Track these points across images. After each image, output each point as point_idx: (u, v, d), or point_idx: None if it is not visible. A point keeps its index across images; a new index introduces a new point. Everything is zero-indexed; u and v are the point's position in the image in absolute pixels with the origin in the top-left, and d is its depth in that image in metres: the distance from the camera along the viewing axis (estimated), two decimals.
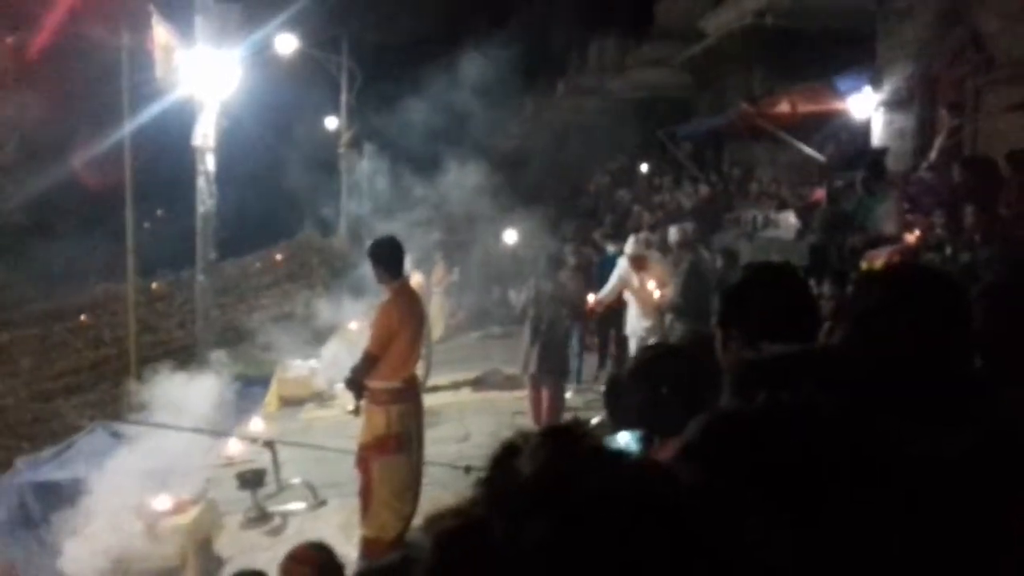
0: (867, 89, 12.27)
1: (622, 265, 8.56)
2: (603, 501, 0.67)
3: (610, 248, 10.37)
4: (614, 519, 0.66)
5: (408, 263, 9.14)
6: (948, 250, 6.87)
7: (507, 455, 0.76)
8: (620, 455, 0.76)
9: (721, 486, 0.83)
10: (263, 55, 14.54)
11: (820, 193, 10.80)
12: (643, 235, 9.43)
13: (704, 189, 14.43)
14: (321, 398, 10.11)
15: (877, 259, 6.86)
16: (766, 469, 0.91)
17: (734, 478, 0.88)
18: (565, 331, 8.12)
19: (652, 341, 8.06)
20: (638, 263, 8.30)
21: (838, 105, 12.56)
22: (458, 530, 0.72)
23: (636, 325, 8.46)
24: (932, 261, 6.72)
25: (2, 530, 7.02)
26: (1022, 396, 1.81)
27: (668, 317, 7.98)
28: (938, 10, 11.00)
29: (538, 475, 0.70)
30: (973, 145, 10.14)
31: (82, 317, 15.15)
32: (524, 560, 0.65)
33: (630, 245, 8.51)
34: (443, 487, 6.43)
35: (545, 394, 7.75)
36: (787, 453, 0.96)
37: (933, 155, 10.02)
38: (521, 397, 9.38)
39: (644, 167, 19.68)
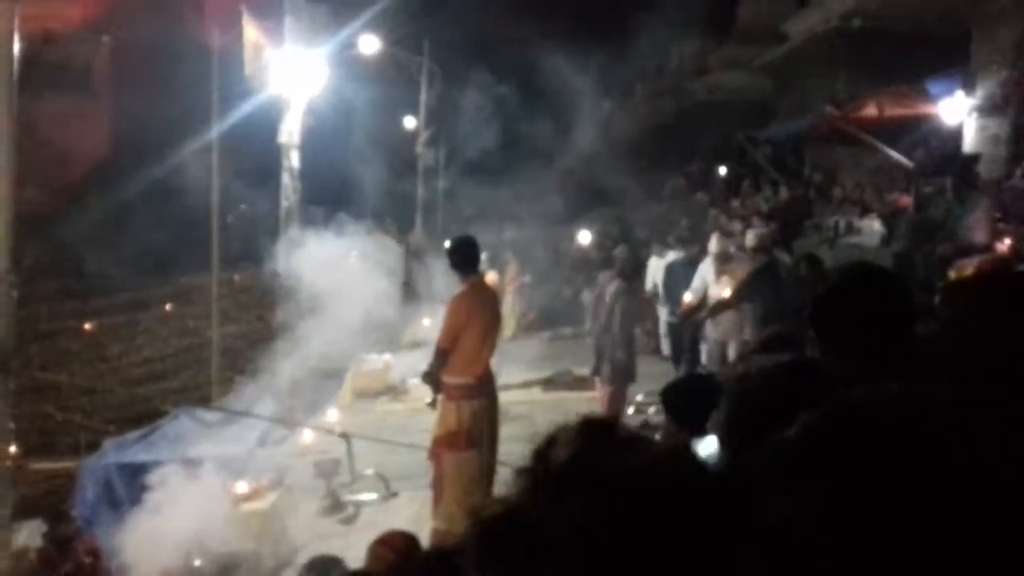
0: (959, 93, 11.85)
1: (705, 264, 8.45)
2: (634, 484, 0.69)
3: (680, 253, 10.22)
4: (644, 502, 0.67)
5: (484, 261, 9.27)
6: None
7: (547, 446, 0.78)
8: (651, 442, 0.78)
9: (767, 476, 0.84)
10: (347, 54, 14.82)
11: (906, 199, 10.48)
12: (728, 237, 9.33)
13: (784, 193, 14.14)
14: (395, 392, 10.26)
15: (967, 269, 6.64)
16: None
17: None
18: (634, 335, 8.04)
19: (729, 346, 7.97)
20: (723, 260, 8.18)
21: (928, 109, 12.14)
22: (499, 517, 0.74)
23: (711, 330, 8.33)
24: None
25: (89, 508, 7.33)
26: None
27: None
28: None
29: (571, 461, 0.73)
30: None
31: (167, 307, 15.72)
32: (559, 543, 0.67)
33: (714, 243, 8.40)
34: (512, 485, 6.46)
35: (614, 396, 7.69)
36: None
37: None
38: (591, 398, 9.36)
39: (722, 170, 19.40)
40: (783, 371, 1.95)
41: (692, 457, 0.76)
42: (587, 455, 0.73)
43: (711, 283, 8.24)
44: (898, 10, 15.42)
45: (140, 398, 12.85)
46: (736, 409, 1.91)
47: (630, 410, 8.35)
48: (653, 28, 21.44)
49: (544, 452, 0.78)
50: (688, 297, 8.39)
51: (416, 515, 6.32)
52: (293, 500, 6.82)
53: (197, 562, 5.90)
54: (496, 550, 0.72)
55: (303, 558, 5.73)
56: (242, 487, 6.58)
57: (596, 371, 7.86)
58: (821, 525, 0.77)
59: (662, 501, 0.68)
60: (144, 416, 9.99)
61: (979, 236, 7.77)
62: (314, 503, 6.84)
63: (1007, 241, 7.27)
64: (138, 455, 7.70)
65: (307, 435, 8.15)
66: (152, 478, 6.34)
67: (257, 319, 13.43)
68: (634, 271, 8.38)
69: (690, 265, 9.21)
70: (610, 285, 7.83)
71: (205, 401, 9.81)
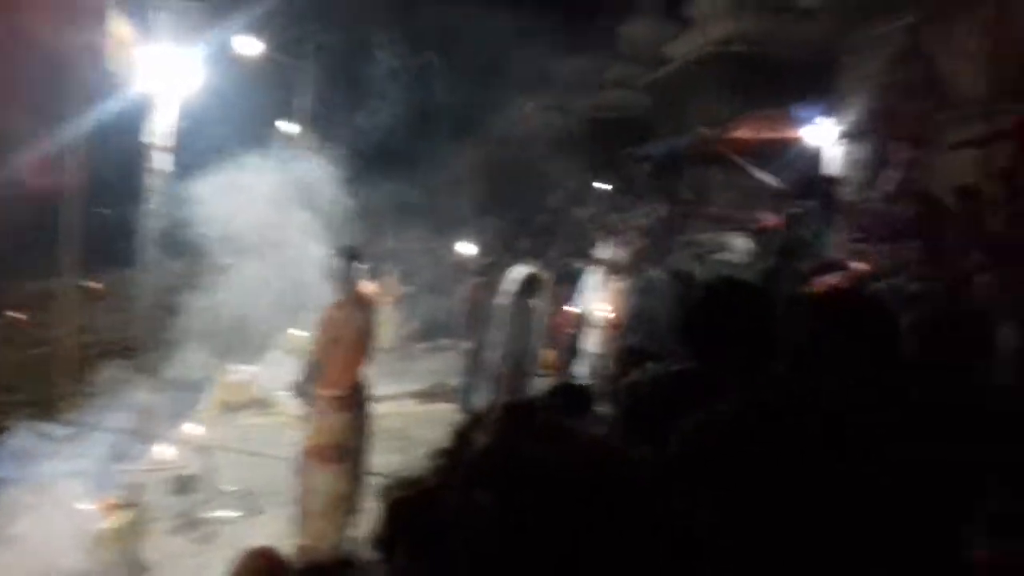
0: (826, 119, 12.49)
1: (595, 275, 8.52)
2: (550, 474, 0.67)
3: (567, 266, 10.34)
4: (560, 491, 0.66)
5: (361, 271, 9.07)
6: (895, 280, 6.96)
7: (468, 428, 0.75)
8: (572, 432, 0.78)
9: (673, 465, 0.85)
10: (225, 55, 14.35)
11: (772, 219, 10.91)
12: (614, 242, 9.44)
13: (661, 210, 14.52)
14: (261, 404, 9.91)
15: (825, 285, 6.92)
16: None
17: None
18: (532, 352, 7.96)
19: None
20: (615, 269, 8.25)
21: (797, 133, 12.75)
22: (412, 499, 0.70)
23: (592, 343, 8.36)
24: (880, 290, 6.80)
25: None
26: None
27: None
28: (898, 46, 11.24)
29: (490, 447, 0.76)
30: (926, 179, 10.34)
31: (17, 315, 14.68)
32: (473, 528, 0.65)
33: (602, 250, 8.46)
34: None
35: None
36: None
37: (885, 187, 10.21)
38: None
39: (603, 186, 19.79)
40: (670, 380, 2.02)
41: (611, 448, 0.76)
42: (506, 441, 0.75)
43: (597, 290, 8.32)
44: (773, 38, 16.15)
45: None
46: (630, 413, 1.99)
47: None
48: (541, 44, 21.76)
49: (465, 434, 0.75)
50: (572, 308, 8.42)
51: (281, 532, 6.06)
52: (148, 518, 6.43)
53: None
54: (408, 529, 0.75)
55: None
56: (93, 505, 6.19)
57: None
58: (708, 524, 0.81)
59: (578, 492, 0.66)
60: None
61: (839, 255, 8.15)
62: (171, 522, 6.48)
63: (865, 259, 7.64)
64: None
65: (166, 450, 7.74)
66: None
67: (116, 328, 12.72)
68: (530, 285, 8.29)
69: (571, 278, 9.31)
70: (515, 302, 7.75)
71: (54, 415, 9.19)
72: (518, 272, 9.33)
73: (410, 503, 0.70)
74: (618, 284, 8.18)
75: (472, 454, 0.73)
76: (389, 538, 0.68)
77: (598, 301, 8.17)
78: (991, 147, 9.28)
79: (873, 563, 0.94)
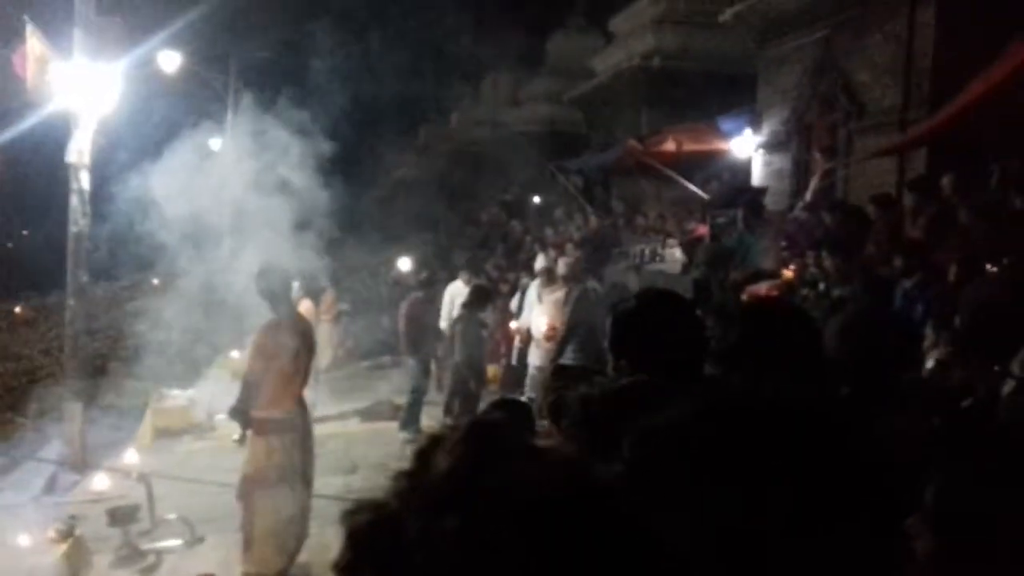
0: (747, 131, 12.85)
1: (532, 288, 8.58)
2: (519, 497, 0.66)
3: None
4: (528, 516, 0.65)
5: (297, 289, 8.98)
6: (822, 286, 7.23)
7: (430, 448, 0.73)
8: (542, 452, 0.73)
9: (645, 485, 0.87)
10: (147, 71, 14.02)
11: (702, 229, 11.17)
12: (551, 253, 9.56)
13: (593, 222, 14.74)
14: (199, 429, 9.68)
15: (757, 292, 7.15)
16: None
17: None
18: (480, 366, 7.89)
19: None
20: (550, 278, 8.32)
21: (721, 145, 13.09)
22: (371, 525, 0.69)
23: (536, 362, 8.38)
24: (807, 296, 7.06)
25: None
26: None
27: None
28: (813, 59, 11.65)
29: (453, 469, 0.69)
30: (844, 188, 10.74)
31: None
32: (436, 556, 0.64)
33: (540, 260, 8.53)
34: (329, 522, 6.25)
35: None
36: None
37: (808, 196, 10.55)
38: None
39: (536, 199, 19.96)
40: (620, 390, 2.05)
41: (584, 470, 0.73)
42: (469, 465, 0.68)
43: (534, 304, 8.38)
44: (693, 52, 16.55)
45: None
46: (581, 424, 2.00)
47: None
48: (468, 58, 21.82)
49: (425, 454, 0.72)
50: (516, 324, 8.44)
51: (224, 559, 5.96)
52: (86, 551, 6.24)
53: None
54: (370, 555, 0.68)
55: None
56: (25, 540, 5.97)
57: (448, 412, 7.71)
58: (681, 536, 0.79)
59: (548, 513, 0.66)
60: None
61: (767, 263, 8.39)
62: (110, 554, 6.29)
63: (792, 267, 7.90)
64: None
65: (101, 479, 7.50)
66: None
67: (43, 354, 12.31)
68: (479, 298, 8.27)
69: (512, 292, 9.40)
70: (462, 318, 7.69)
71: None
72: (457, 287, 9.36)
73: (372, 528, 0.69)
74: (553, 295, 8.27)
75: (434, 476, 0.69)
76: (352, 565, 0.68)
77: (537, 314, 8.24)
78: (906, 156, 9.69)
79: (837, 551, 0.99)
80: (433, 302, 10.07)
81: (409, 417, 9.18)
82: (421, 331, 9.36)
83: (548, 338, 8.01)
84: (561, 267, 8.78)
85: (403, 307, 9.74)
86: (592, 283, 9.14)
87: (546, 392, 5.98)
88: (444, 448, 0.71)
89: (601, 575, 0.66)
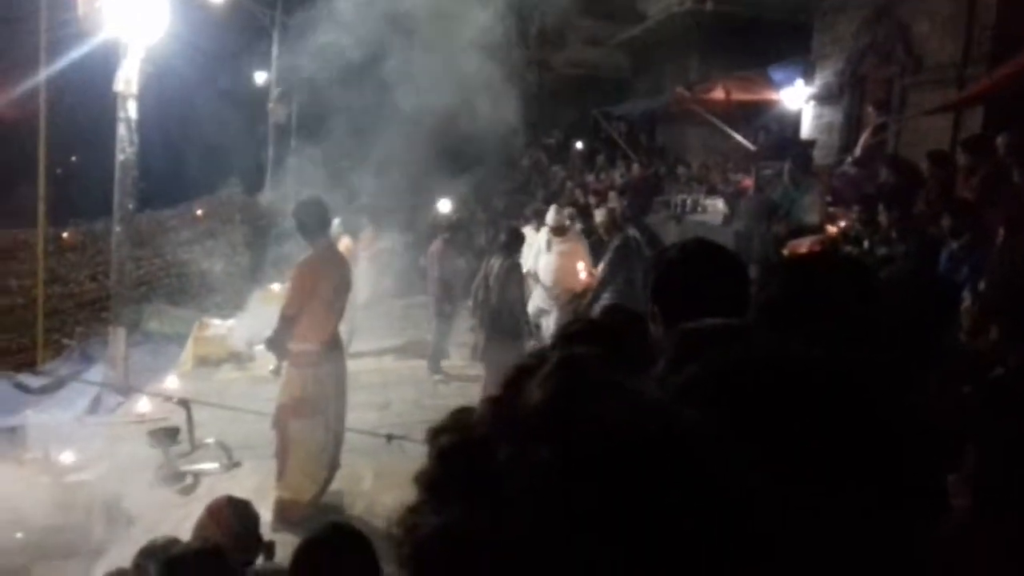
0: (799, 81, 12.54)
1: (540, 235, 8.58)
2: (610, 435, 0.67)
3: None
4: (617, 454, 0.66)
5: (337, 226, 9.03)
6: (866, 244, 7.09)
7: (519, 377, 0.74)
8: (631, 391, 0.74)
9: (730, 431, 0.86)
10: (193, 1, 14.01)
11: (748, 181, 11.00)
12: (567, 209, 9.48)
13: (636, 169, 14.56)
14: (239, 359, 9.88)
15: (799, 248, 7.04)
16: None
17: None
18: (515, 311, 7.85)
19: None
20: (558, 232, 8.31)
21: (771, 95, 12.80)
22: (460, 446, 0.70)
23: (540, 304, 8.42)
24: (851, 253, 6.94)
25: None
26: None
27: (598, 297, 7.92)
28: (872, 8, 11.26)
29: (545, 402, 0.70)
30: (896, 143, 10.46)
31: None
32: (524, 484, 0.65)
33: (551, 215, 8.50)
34: (362, 454, 6.40)
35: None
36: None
37: (857, 151, 10.30)
38: (445, 366, 9.39)
39: (579, 144, 19.74)
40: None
41: (673, 410, 0.73)
42: (562, 399, 0.69)
43: (542, 252, 8.39)
44: None
45: None
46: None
47: None
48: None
49: (515, 383, 0.73)
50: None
51: (260, 485, 6.13)
52: (127, 470, 6.46)
53: (19, 535, 5.51)
54: (460, 476, 0.69)
55: (138, 530, 5.48)
56: (68, 457, 6.20)
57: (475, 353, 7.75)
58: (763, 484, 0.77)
59: (635, 462, 0.66)
60: None
61: (812, 218, 8.25)
62: (150, 473, 6.51)
63: (838, 224, 7.76)
64: None
65: (143, 402, 7.73)
66: None
67: (89, 279, 12.57)
68: (516, 241, 8.21)
69: None
70: (492, 261, 7.66)
71: (29, 366, 9.11)
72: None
73: (461, 450, 0.70)
74: (563, 246, 8.28)
75: (526, 406, 0.70)
76: (440, 482, 0.70)
77: (548, 256, 8.27)
78: (962, 114, 9.39)
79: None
80: (457, 245, 10.15)
81: (433, 357, 9.32)
82: (443, 273, 9.45)
83: (586, 285, 8.03)
84: (599, 216, 8.71)
85: (431, 248, 9.80)
86: (633, 231, 9.06)
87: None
88: (536, 378, 0.72)
89: (676, 515, 0.66)
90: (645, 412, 0.71)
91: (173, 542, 3.47)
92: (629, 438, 0.68)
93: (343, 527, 3.02)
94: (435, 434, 0.73)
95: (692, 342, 1.45)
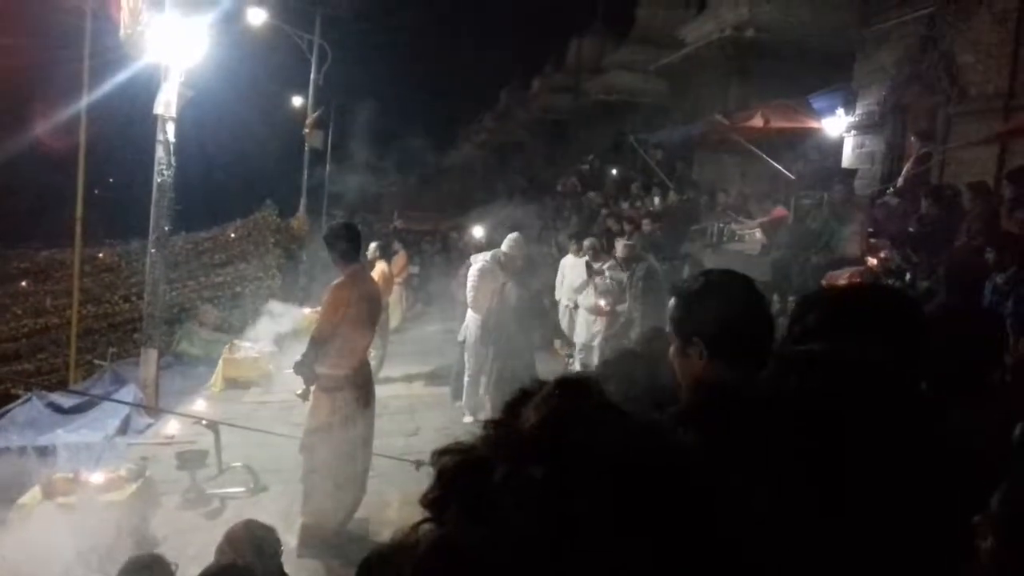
0: (840, 110, 12.37)
1: (577, 264, 8.58)
2: (602, 456, 0.70)
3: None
4: (609, 475, 0.69)
5: (373, 250, 9.03)
6: (908, 276, 6.91)
7: (519, 401, 0.78)
8: (627, 414, 0.78)
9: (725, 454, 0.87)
10: (232, 26, 14.23)
11: (781, 210, 10.82)
12: (587, 240, 9.50)
13: (672, 197, 14.42)
14: (268, 382, 9.88)
15: (837, 280, 6.87)
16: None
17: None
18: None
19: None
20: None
21: (811, 123, 12.62)
22: (461, 466, 0.74)
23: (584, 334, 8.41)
24: (892, 286, 6.75)
25: None
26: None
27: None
28: (916, 37, 11.10)
29: (541, 423, 0.73)
30: (940, 174, 10.24)
31: (23, 283, 14.63)
32: (519, 502, 0.68)
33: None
34: (389, 480, 6.32)
35: None
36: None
37: (900, 181, 10.11)
38: None
39: (614, 171, 19.66)
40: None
41: (669, 433, 0.78)
42: (557, 421, 0.73)
43: (574, 281, 8.38)
44: (789, 24, 15.94)
45: None
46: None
47: None
48: (553, 23, 21.50)
49: (515, 406, 0.78)
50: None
51: (286, 510, 6.07)
52: (154, 492, 6.43)
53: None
54: (460, 493, 0.73)
55: (166, 551, 5.43)
56: (98, 477, 6.17)
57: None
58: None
59: (627, 482, 0.69)
60: None
61: (852, 249, 8.07)
62: (177, 496, 6.48)
63: (878, 255, 7.57)
64: None
65: (172, 424, 7.73)
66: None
67: (123, 299, 12.68)
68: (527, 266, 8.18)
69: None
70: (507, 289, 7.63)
71: (61, 385, 9.19)
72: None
73: (461, 469, 0.72)
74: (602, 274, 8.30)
75: (523, 428, 0.73)
76: (441, 500, 0.71)
77: (584, 288, 8.27)
78: (1008, 145, 9.18)
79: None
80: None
81: (454, 389, 9.15)
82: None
83: (601, 314, 8.06)
84: (620, 249, 8.73)
85: (460, 274, 9.73)
86: (652, 260, 8.96)
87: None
88: (533, 402, 0.75)
89: (669, 535, 0.68)
90: (636, 435, 0.74)
91: (156, 559, 3.49)
92: (619, 460, 0.69)
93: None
94: (439, 455, 0.76)
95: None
